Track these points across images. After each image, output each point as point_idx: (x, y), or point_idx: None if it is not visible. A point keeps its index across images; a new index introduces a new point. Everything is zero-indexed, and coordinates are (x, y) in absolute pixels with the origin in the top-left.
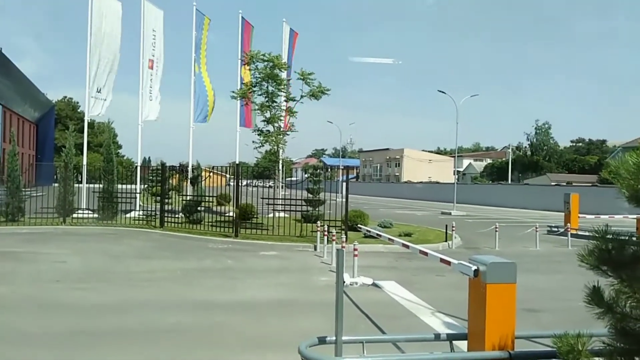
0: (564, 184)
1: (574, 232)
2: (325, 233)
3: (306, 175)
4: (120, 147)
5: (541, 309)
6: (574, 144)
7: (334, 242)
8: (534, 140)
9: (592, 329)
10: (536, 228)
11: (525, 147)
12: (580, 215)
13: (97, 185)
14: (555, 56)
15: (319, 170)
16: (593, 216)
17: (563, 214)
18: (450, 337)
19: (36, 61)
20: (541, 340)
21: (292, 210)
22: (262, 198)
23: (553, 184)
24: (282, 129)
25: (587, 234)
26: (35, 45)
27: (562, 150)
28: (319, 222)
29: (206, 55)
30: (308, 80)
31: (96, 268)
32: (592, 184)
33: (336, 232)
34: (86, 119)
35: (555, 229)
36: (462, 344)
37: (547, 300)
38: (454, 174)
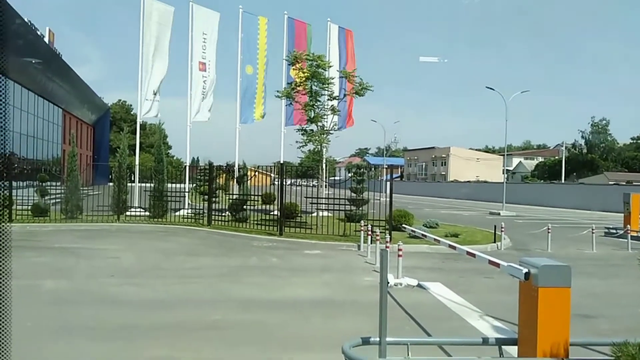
0: (624, 183)
1: (634, 234)
2: (369, 233)
3: (350, 175)
4: (170, 147)
5: (598, 315)
6: (635, 141)
7: (378, 242)
8: (589, 137)
9: None
10: (592, 229)
11: (581, 144)
12: None
13: (148, 185)
14: (611, 50)
15: (362, 170)
16: None
17: (622, 215)
18: (500, 342)
19: (93, 66)
20: (598, 348)
21: (336, 210)
22: (306, 197)
23: (611, 183)
24: (326, 128)
25: None
26: (92, 50)
27: (621, 148)
28: (362, 221)
29: (266, 56)
30: (350, 78)
31: (147, 264)
32: None
33: (380, 232)
34: (138, 121)
35: (614, 231)
36: (512, 350)
37: (605, 306)
38: (503, 173)
